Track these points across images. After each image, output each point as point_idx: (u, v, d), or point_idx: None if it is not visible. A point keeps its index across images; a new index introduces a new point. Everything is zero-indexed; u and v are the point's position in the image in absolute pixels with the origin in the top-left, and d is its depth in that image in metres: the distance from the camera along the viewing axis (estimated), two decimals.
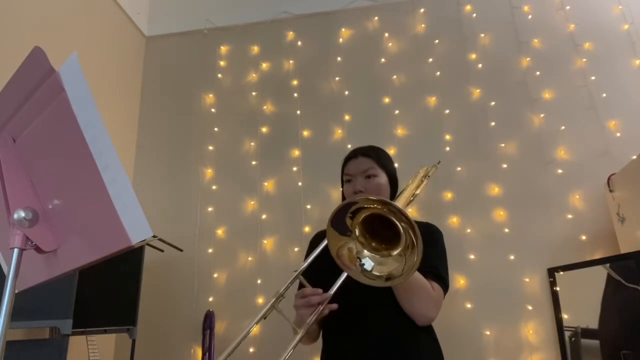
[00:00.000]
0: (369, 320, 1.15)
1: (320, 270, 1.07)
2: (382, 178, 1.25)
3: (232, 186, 2.30)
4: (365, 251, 0.94)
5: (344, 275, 1.06)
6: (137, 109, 2.55)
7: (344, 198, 1.34)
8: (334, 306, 1.04)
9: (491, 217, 2.02)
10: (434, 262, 1.15)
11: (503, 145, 2.10)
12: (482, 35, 2.30)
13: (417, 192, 1.39)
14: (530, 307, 1.87)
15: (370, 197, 0.91)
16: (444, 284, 1.15)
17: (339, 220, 0.92)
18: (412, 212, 2.06)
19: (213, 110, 2.46)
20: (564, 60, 2.18)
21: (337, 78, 2.37)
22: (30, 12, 1.80)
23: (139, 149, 2.48)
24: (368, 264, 0.93)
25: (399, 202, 1.14)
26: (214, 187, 2.31)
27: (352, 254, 0.94)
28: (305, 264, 1.08)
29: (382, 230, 0.92)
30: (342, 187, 1.32)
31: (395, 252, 0.91)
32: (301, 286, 1.12)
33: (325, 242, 1.03)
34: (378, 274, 0.92)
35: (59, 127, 0.59)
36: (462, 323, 1.89)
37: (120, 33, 2.48)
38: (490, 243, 1.97)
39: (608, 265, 1.64)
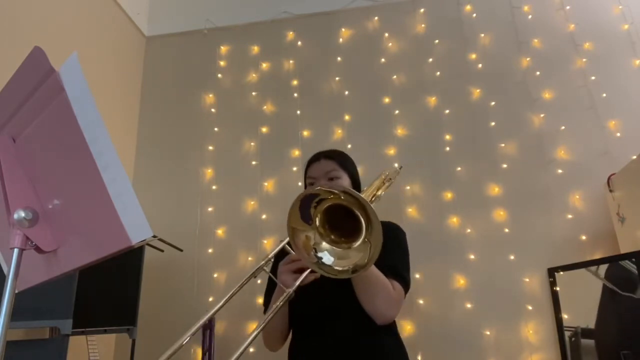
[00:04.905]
0: (332, 322, 1.15)
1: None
2: (345, 181, 1.27)
3: (232, 186, 2.30)
4: (324, 243, 0.93)
5: (307, 270, 1.05)
6: (137, 109, 2.55)
7: None
8: (317, 275, 1.03)
9: (491, 217, 2.01)
10: (395, 260, 1.15)
11: (503, 145, 2.10)
12: (482, 35, 2.30)
13: (379, 193, 1.39)
14: (530, 307, 1.87)
15: (335, 186, 0.92)
16: (405, 283, 1.15)
17: (305, 205, 0.91)
18: (412, 211, 2.06)
19: (213, 110, 2.46)
20: (564, 60, 2.18)
21: (337, 78, 2.37)
22: (30, 12, 1.80)
23: (139, 149, 2.48)
24: (327, 258, 0.92)
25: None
26: (214, 187, 2.31)
27: (308, 243, 0.93)
28: (287, 240, 1.06)
29: (343, 224, 0.92)
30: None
31: (358, 243, 0.90)
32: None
33: (286, 242, 1.05)
34: (340, 268, 0.90)
35: (59, 127, 0.59)
36: (462, 323, 1.89)
37: (120, 33, 2.48)
38: (490, 243, 1.97)
39: (603, 275, 1.64)
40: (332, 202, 0.90)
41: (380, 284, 1.08)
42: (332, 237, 0.94)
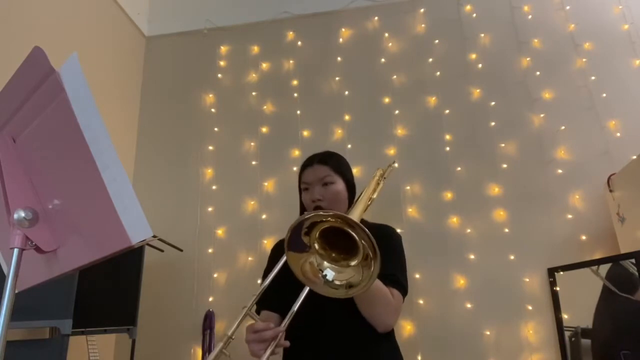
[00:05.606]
0: (329, 327, 1.14)
1: (280, 284, 1.05)
2: (340, 185, 1.24)
3: (232, 186, 2.30)
4: (325, 262, 0.93)
5: (305, 291, 1.04)
6: (137, 109, 2.55)
7: (301, 206, 1.33)
8: (286, 343, 1.02)
9: (491, 217, 2.01)
10: (392, 268, 1.14)
11: (503, 145, 2.10)
12: (482, 35, 2.30)
13: (374, 196, 1.37)
14: (530, 307, 1.87)
15: (323, 212, 0.90)
16: (403, 290, 1.15)
17: (295, 242, 0.90)
18: (412, 211, 2.06)
19: (213, 110, 2.46)
20: (564, 60, 2.18)
21: (337, 78, 2.37)
22: (30, 12, 1.80)
23: (139, 149, 2.48)
24: (329, 274, 0.93)
25: (357, 211, 1.11)
26: (214, 187, 2.31)
27: (314, 268, 0.93)
28: (254, 299, 1.05)
29: (341, 240, 0.91)
30: (300, 195, 1.31)
31: (353, 263, 0.90)
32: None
33: (281, 263, 1.03)
34: (339, 282, 0.91)
35: (59, 127, 0.59)
36: (462, 323, 1.89)
37: (120, 33, 2.48)
38: (490, 243, 1.97)
39: (604, 275, 1.64)
40: (327, 225, 0.90)
41: (381, 293, 1.08)
42: (333, 255, 0.94)
